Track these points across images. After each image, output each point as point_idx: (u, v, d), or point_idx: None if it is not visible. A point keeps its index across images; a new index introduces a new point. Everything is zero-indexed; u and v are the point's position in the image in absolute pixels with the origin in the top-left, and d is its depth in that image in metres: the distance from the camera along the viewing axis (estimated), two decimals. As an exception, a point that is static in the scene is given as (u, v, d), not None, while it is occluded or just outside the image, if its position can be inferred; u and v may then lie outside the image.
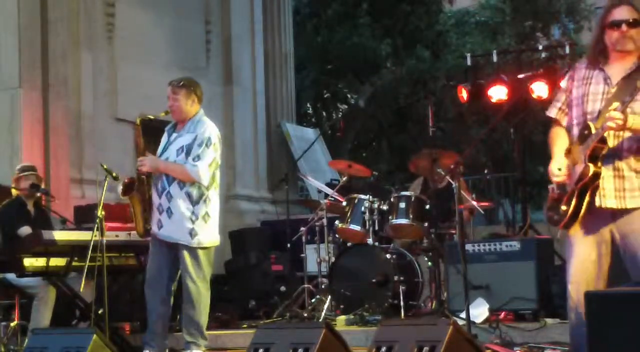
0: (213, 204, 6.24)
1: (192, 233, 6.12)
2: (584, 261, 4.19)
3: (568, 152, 4.27)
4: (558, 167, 4.24)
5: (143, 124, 6.30)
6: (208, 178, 6.16)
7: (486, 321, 6.67)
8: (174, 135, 6.33)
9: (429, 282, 7.73)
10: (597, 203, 4.11)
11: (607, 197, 4.11)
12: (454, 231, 7.65)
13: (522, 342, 6.20)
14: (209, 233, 6.21)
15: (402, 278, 7.45)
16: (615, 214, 4.13)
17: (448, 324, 4.16)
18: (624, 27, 4.18)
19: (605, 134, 4.08)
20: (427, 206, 7.65)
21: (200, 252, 6.16)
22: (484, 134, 13.57)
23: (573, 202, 4.13)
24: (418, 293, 7.66)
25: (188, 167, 6.11)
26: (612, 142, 4.11)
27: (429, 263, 7.67)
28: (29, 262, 6.49)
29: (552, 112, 4.42)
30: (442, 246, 7.60)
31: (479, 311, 6.75)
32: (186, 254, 6.12)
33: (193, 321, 6.17)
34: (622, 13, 4.20)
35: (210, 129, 6.25)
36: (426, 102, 17.77)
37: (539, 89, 9.12)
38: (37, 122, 9.36)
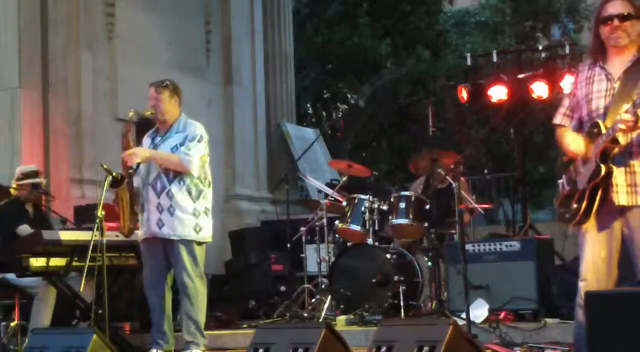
0: (209, 201, 6.38)
1: (196, 228, 6.23)
2: (595, 259, 4.20)
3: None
4: (573, 143, 4.27)
5: (136, 119, 6.33)
6: (197, 170, 6.24)
7: (486, 321, 6.67)
8: (159, 138, 6.38)
9: (429, 282, 7.72)
10: (614, 201, 4.11)
11: (620, 193, 4.12)
12: (454, 231, 7.65)
13: (522, 342, 6.20)
14: (209, 227, 6.35)
15: (402, 278, 7.45)
16: (626, 210, 4.14)
17: (448, 324, 4.16)
18: (615, 21, 4.18)
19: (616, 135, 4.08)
20: (427, 206, 7.65)
21: (197, 249, 6.23)
22: (484, 134, 13.58)
23: (585, 201, 4.15)
24: (418, 293, 7.66)
25: (182, 157, 6.20)
26: (622, 140, 4.12)
27: (429, 263, 7.67)
28: (29, 262, 6.48)
29: (557, 119, 4.45)
30: (442, 246, 7.60)
31: (479, 311, 6.75)
32: (183, 251, 6.17)
33: (192, 318, 6.20)
34: (614, 7, 4.19)
35: (201, 129, 6.38)
36: (426, 102, 17.80)
37: (539, 89, 9.11)
38: (37, 122, 9.35)
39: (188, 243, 6.20)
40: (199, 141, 6.27)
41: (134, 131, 6.38)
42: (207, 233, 6.31)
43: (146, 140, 6.45)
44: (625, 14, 4.17)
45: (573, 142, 4.31)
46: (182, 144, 6.26)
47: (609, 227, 4.19)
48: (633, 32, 4.20)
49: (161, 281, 6.30)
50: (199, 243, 6.26)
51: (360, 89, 19.76)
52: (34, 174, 7.51)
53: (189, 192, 6.22)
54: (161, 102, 6.31)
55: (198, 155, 6.25)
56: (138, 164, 6.18)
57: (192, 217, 6.21)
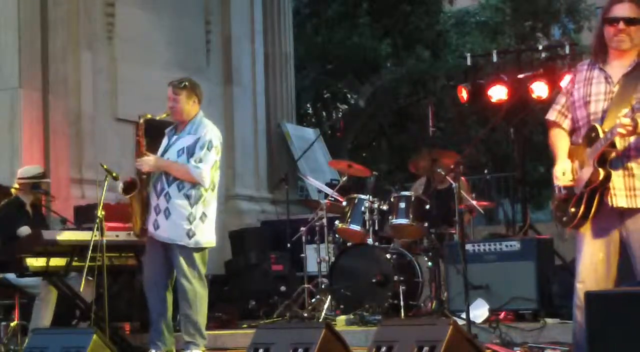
0: (210, 205, 6.25)
1: (189, 234, 6.12)
2: (593, 261, 4.18)
3: (569, 154, 4.26)
4: (562, 171, 4.23)
5: (146, 124, 6.29)
6: (209, 181, 6.18)
7: (486, 321, 6.67)
8: (174, 137, 6.33)
9: (429, 282, 7.73)
10: (610, 203, 4.10)
11: (618, 196, 4.10)
12: (454, 231, 7.65)
13: (522, 342, 6.20)
14: (206, 233, 6.21)
15: (402, 278, 7.45)
16: (625, 213, 4.12)
17: (448, 324, 4.16)
18: (620, 24, 4.13)
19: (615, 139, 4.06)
20: (427, 206, 7.65)
21: (195, 252, 6.16)
22: (484, 134, 13.58)
23: (582, 205, 4.13)
24: (418, 293, 7.66)
25: (191, 168, 6.12)
26: (619, 144, 4.09)
27: (429, 263, 7.67)
28: (29, 262, 6.48)
29: (552, 115, 4.40)
30: (442, 246, 7.60)
31: (479, 311, 6.75)
32: (181, 255, 6.12)
33: (191, 320, 6.18)
34: (621, 10, 4.14)
35: (212, 132, 6.26)
36: (426, 102, 17.81)
37: (539, 89, 9.11)
38: (37, 122, 9.36)
39: (183, 247, 6.14)
40: (208, 149, 6.16)
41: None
42: (201, 239, 6.16)
43: (165, 138, 6.42)
44: (632, 17, 4.13)
45: (564, 169, 4.23)
46: (190, 149, 6.17)
47: (607, 230, 4.17)
48: (637, 37, 4.15)
49: (161, 282, 6.25)
50: (195, 248, 6.18)
51: (360, 89, 19.76)
52: (41, 175, 7.51)
53: (187, 197, 6.14)
54: (179, 102, 6.23)
55: (209, 166, 6.15)
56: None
57: (186, 222, 6.11)
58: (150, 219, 6.20)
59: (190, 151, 6.17)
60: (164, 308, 6.28)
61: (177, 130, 6.36)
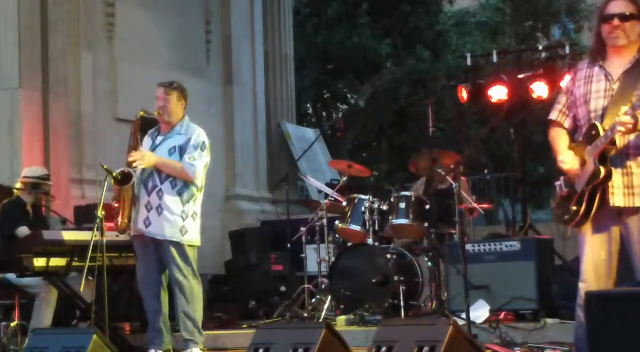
0: (199, 205, 6.35)
1: (182, 230, 6.20)
2: (595, 260, 4.20)
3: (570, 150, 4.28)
4: (566, 158, 4.24)
5: (141, 120, 6.33)
6: (201, 179, 6.26)
7: (486, 321, 6.67)
8: (160, 138, 6.38)
9: (429, 282, 7.73)
10: (610, 202, 4.10)
11: (616, 194, 4.11)
12: (454, 231, 7.66)
13: (522, 342, 6.20)
14: (196, 231, 6.32)
15: (402, 278, 7.46)
16: (624, 212, 4.14)
17: (448, 324, 4.16)
18: (615, 21, 4.16)
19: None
20: (427, 206, 7.65)
21: (188, 248, 6.24)
22: (484, 134, 13.57)
23: (584, 203, 4.14)
24: (418, 293, 7.66)
25: (185, 165, 6.18)
26: (619, 142, 4.10)
27: (429, 263, 7.67)
28: (29, 262, 6.48)
29: (553, 115, 4.42)
30: (442, 246, 7.60)
31: (479, 311, 6.75)
32: (174, 251, 6.18)
33: (189, 316, 6.22)
34: (615, 6, 4.17)
35: (204, 135, 6.37)
36: (426, 102, 17.78)
37: (539, 89, 9.12)
38: (37, 122, 9.35)
39: (177, 244, 6.20)
40: (202, 149, 6.27)
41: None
42: (193, 237, 6.26)
43: (147, 139, 6.45)
44: (627, 14, 4.15)
45: (567, 157, 4.25)
46: (182, 147, 6.24)
47: (608, 229, 4.19)
48: (632, 33, 4.17)
49: (155, 280, 6.30)
50: (189, 245, 6.25)
51: (360, 89, 19.75)
52: (45, 177, 7.52)
53: (180, 194, 6.21)
54: (169, 103, 6.31)
55: (202, 165, 6.25)
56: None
57: (179, 219, 6.18)
58: (140, 217, 6.24)
59: (182, 149, 6.25)
60: (160, 306, 6.32)
61: (160, 131, 6.41)
